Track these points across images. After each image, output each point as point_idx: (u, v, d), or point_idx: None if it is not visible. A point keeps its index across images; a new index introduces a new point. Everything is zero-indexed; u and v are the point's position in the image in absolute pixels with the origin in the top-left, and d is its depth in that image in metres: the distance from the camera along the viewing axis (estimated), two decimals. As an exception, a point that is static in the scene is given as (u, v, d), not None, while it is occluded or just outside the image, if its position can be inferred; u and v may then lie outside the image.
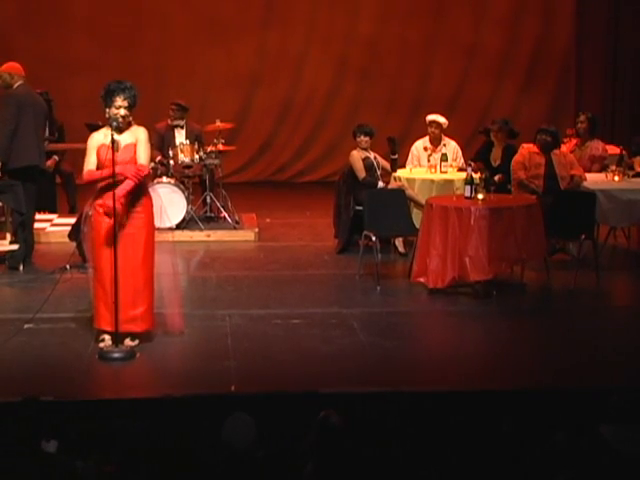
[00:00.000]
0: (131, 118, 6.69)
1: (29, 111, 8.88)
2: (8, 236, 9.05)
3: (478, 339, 7.38)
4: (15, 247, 8.97)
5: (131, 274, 6.63)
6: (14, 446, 4.65)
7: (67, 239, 9.37)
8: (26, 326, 7.19)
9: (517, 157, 9.47)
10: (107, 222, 6.63)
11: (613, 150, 10.37)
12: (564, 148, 9.83)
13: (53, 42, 13.36)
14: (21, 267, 8.92)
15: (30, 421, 4.96)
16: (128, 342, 6.77)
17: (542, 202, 8.64)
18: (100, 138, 6.69)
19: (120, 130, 6.60)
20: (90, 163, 6.72)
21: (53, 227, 10.38)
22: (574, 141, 10.26)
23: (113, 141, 6.50)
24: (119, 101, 6.58)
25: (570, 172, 9.41)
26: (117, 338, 6.67)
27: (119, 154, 6.58)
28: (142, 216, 6.72)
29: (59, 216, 10.80)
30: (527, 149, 9.45)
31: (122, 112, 6.59)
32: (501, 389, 6.15)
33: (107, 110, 6.64)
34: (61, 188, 11.29)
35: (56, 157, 10.88)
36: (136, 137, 6.66)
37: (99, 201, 6.67)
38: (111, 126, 6.56)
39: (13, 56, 13.16)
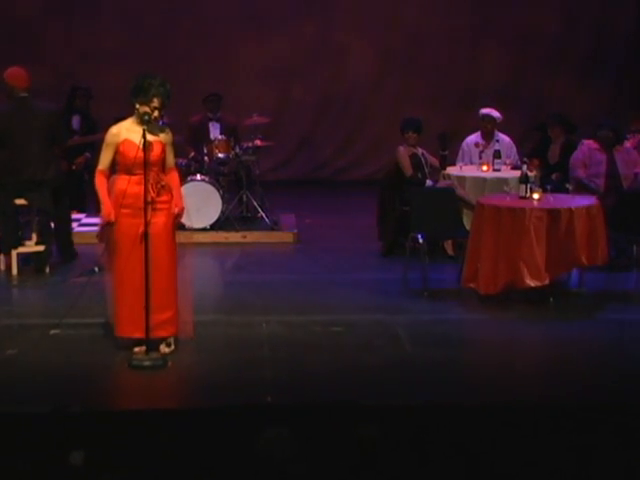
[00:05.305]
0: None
1: (18, 128, 8.68)
2: (34, 236, 9.00)
3: (534, 349, 7.24)
4: (41, 248, 8.89)
5: (158, 277, 6.50)
6: (41, 458, 4.69)
7: (96, 240, 9.10)
8: (52, 332, 7.11)
9: (576, 154, 9.34)
10: (134, 223, 6.50)
11: (681, 146, 10.41)
12: (628, 144, 9.73)
13: (83, 33, 13.40)
14: (47, 269, 8.83)
15: (57, 432, 4.96)
16: (163, 348, 6.65)
17: (603, 202, 8.43)
18: (122, 133, 6.51)
19: (151, 126, 6.43)
20: (104, 162, 6.63)
21: (81, 227, 10.24)
22: (639, 137, 10.17)
23: (145, 138, 6.31)
24: (156, 102, 6.48)
25: (634, 170, 9.32)
26: (149, 345, 6.51)
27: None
28: (164, 215, 6.58)
29: (87, 216, 10.66)
30: (587, 145, 9.35)
31: (156, 113, 6.49)
32: (561, 404, 5.92)
33: (138, 105, 6.46)
34: (91, 186, 11.05)
35: (88, 154, 10.72)
36: (164, 139, 6.60)
37: (128, 202, 6.51)
38: (143, 121, 6.39)
39: (42, 48, 13.15)
